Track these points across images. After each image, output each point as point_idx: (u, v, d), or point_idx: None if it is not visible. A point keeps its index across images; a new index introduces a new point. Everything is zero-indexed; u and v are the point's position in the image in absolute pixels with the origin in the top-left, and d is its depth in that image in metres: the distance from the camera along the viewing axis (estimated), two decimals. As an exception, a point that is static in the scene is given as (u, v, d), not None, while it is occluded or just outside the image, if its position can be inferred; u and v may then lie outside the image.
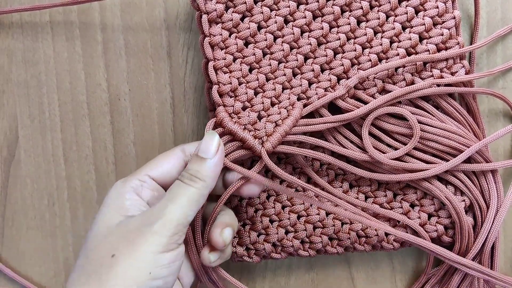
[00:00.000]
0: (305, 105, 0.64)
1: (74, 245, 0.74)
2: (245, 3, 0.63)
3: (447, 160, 0.64)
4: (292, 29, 0.64)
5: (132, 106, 0.72)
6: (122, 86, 0.72)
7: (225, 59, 0.63)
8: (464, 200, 0.65)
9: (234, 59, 0.64)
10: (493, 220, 0.65)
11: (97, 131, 0.73)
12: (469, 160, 0.65)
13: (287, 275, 0.73)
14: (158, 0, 0.71)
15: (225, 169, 0.63)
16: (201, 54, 0.66)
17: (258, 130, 0.63)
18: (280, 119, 0.63)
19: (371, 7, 0.64)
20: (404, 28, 0.65)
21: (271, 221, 0.67)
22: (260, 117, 0.64)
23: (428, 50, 0.64)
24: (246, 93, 0.64)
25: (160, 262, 0.53)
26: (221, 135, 0.62)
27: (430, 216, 0.66)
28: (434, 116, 0.65)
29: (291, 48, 0.64)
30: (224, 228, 0.61)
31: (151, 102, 0.72)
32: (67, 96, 0.72)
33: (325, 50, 0.64)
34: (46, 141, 0.73)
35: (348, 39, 0.65)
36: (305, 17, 0.64)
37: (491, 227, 0.64)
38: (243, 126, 0.63)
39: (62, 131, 0.73)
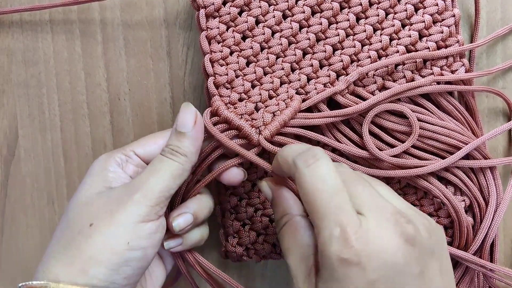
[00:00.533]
0: (304, 100, 0.64)
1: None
2: None
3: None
4: (290, 24, 0.64)
5: (132, 106, 0.72)
6: (122, 85, 0.72)
7: (221, 51, 0.63)
8: (464, 200, 0.65)
9: (231, 53, 0.64)
10: (493, 217, 0.65)
11: (97, 130, 0.73)
12: (468, 158, 0.65)
13: (287, 275, 0.73)
14: (158, 0, 0.71)
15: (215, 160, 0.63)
16: (201, 53, 0.66)
17: (256, 119, 0.63)
18: (278, 110, 0.63)
19: (370, 4, 0.64)
20: (403, 26, 0.65)
21: (271, 221, 0.67)
22: (257, 109, 0.64)
23: (428, 48, 0.64)
24: (243, 85, 0.64)
25: (139, 233, 0.54)
26: (216, 124, 0.62)
27: (430, 216, 0.66)
28: (433, 114, 0.65)
29: (290, 43, 0.64)
30: (181, 214, 0.60)
31: (150, 102, 0.72)
32: (67, 96, 0.73)
33: (324, 46, 0.64)
34: (46, 140, 0.74)
35: (347, 35, 0.64)
36: (304, 12, 0.64)
37: (490, 224, 0.64)
38: (240, 116, 0.63)
39: (62, 130, 0.73)
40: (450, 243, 0.66)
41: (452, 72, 0.64)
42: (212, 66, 0.63)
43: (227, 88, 0.64)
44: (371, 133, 0.65)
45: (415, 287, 0.46)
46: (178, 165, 0.57)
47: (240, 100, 0.64)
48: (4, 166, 0.75)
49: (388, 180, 0.66)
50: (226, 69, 0.64)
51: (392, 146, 0.65)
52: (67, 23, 0.72)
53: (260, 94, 0.64)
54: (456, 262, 0.66)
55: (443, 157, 0.64)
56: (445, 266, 0.50)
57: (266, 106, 0.63)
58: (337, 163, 0.53)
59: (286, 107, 0.63)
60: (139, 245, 0.53)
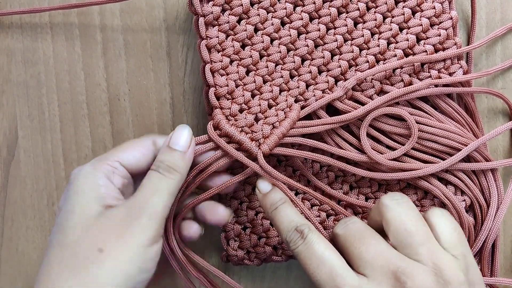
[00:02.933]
0: (303, 107, 0.66)
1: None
2: (242, 5, 0.64)
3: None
4: (289, 31, 0.65)
5: (131, 106, 0.73)
6: (122, 86, 0.73)
7: (221, 61, 0.65)
8: (464, 200, 0.67)
9: (231, 62, 0.65)
10: (494, 218, 0.66)
11: (97, 131, 0.74)
12: (468, 159, 0.67)
13: (286, 275, 0.74)
14: (158, 0, 0.72)
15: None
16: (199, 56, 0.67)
17: (255, 132, 0.64)
18: (277, 121, 0.64)
19: (368, 9, 0.66)
20: (401, 29, 0.66)
21: (272, 224, 0.67)
22: (257, 119, 0.65)
23: (426, 51, 0.65)
24: (243, 96, 0.65)
25: (148, 255, 0.55)
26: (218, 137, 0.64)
27: None
28: (432, 116, 0.66)
29: (288, 50, 0.66)
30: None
31: (150, 102, 0.73)
32: (66, 96, 0.74)
33: (322, 52, 0.66)
34: (45, 141, 0.74)
35: (345, 40, 0.66)
36: (302, 19, 0.65)
37: (491, 225, 0.66)
38: (240, 129, 0.64)
39: (61, 131, 0.74)
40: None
41: (450, 74, 0.66)
42: (213, 76, 0.65)
43: (228, 99, 0.65)
44: (372, 136, 0.67)
45: None
46: (174, 182, 0.59)
47: (241, 111, 0.65)
48: (3, 167, 0.75)
49: (388, 182, 0.68)
50: (226, 79, 0.65)
51: (392, 149, 0.66)
52: (66, 24, 0.73)
53: (260, 105, 0.65)
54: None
55: (444, 159, 0.66)
56: None
57: (266, 117, 0.65)
58: (347, 219, 0.58)
59: (285, 117, 0.65)
60: (148, 267, 0.56)
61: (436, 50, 0.66)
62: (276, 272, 0.75)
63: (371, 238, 0.55)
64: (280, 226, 0.59)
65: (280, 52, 0.66)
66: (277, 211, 0.60)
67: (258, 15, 0.65)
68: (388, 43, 0.66)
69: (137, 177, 0.62)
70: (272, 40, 0.66)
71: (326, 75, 0.66)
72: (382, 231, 0.56)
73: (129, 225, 0.55)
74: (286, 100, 0.66)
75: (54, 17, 0.74)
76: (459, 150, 0.66)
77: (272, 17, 0.66)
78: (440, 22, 0.66)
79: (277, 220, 0.60)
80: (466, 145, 0.66)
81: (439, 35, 0.66)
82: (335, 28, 0.66)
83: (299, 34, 0.66)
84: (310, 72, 0.66)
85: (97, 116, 0.74)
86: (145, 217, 0.56)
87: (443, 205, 0.67)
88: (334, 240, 0.58)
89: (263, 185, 0.63)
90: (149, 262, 0.56)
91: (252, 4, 0.66)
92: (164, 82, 0.73)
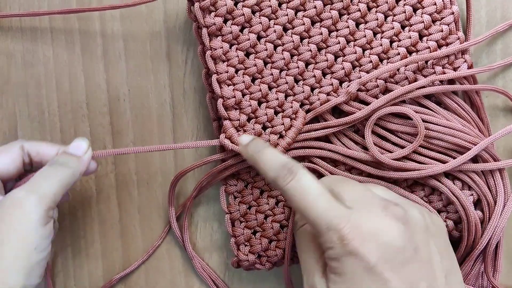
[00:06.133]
0: (309, 110, 0.67)
1: (72, 245, 0.76)
2: (243, 14, 0.65)
3: (454, 157, 0.66)
4: (291, 36, 0.66)
5: (131, 107, 0.74)
6: (122, 87, 0.74)
7: (227, 72, 0.65)
8: (472, 195, 0.67)
9: (236, 71, 0.66)
10: (500, 216, 0.66)
11: (97, 131, 0.74)
12: (476, 157, 0.67)
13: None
14: (158, 2, 0.72)
15: None
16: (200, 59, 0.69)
17: None
18: (283, 130, 0.66)
19: (369, 9, 0.66)
20: (403, 27, 0.67)
21: (282, 227, 0.69)
22: (265, 128, 0.67)
23: (429, 47, 0.66)
24: (250, 105, 0.66)
25: (43, 234, 0.58)
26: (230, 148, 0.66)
27: (439, 212, 0.68)
28: (438, 113, 0.67)
29: (292, 56, 0.66)
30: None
31: (150, 103, 0.74)
32: (66, 97, 0.74)
33: (325, 55, 0.66)
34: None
35: (348, 42, 0.67)
36: (304, 24, 0.66)
37: (497, 223, 0.66)
38: None
39: (61, 131, 0.75)
40: (459, 239, 0.68)
41: (455, 69, 0.67)
42: (220, 87, 0.66)
43: (236, 109, 0.66)
44: (379, 135, 0.68)
45: (413, 263, 0.52)
46: (65, 175, 0.61)
47: (249, 119, 0.67)
48: (4, 168, 0.76)
49: (394, 178, 0.68)
50: (233, 90, 0.66)
51: (399, 146, 0.67)
52: (66, 25, 0.74)
53: (266, 114, 0.66)
54: (462, 261, 0.68)
55: (452, 156, 0.67)
56: (444, 246, 0.56)
57: (273, 126, 0.67)
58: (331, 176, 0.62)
59: (291, 126, 0.66)
60: (44, 246, 0.58)
61: (440, 46, 0.67)
62: (277, 273, 0.75)
63: (354, 182, 0.59)
64: (266, 166, 0.57)
65: (283, 58, 0.67)
66: (262, 153, 0.58)
67: (260, 23, 0.66)
68: (391, 42, 0.67)
69: (7, 183, 0.64)
70: (275, 47, 0.67)
71: (330, 78, 0.67)
72: None
73: (20, 206, 0.57)
74: (292, 106, 0.67)
75: (54, 18, 0.74)
76: (465, 147, 0.66)
77: (274, 24, 0.66)
78: (442, 18, 0.67)
79: (262, 161, 0.58)
80: (474, 144, 0.66)
81: (442, 31, 0.67)
82: (337, 30, 0.67)
83: (301, 39, 0.67)
84: (314, 76, 0.67)
85: (97, 116, 0.75)
86: (35, 198, 0.58)
87: (450, 201, 0.68)
88: None
89: (245, 138, 0.61)
90: (44, 240, 0.58)
91: (253, 12, 0.66)
92: (164, 83, 0.74)
